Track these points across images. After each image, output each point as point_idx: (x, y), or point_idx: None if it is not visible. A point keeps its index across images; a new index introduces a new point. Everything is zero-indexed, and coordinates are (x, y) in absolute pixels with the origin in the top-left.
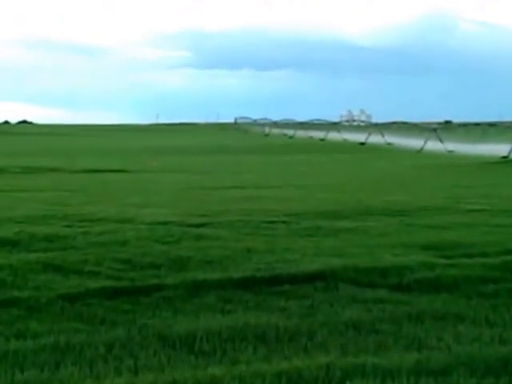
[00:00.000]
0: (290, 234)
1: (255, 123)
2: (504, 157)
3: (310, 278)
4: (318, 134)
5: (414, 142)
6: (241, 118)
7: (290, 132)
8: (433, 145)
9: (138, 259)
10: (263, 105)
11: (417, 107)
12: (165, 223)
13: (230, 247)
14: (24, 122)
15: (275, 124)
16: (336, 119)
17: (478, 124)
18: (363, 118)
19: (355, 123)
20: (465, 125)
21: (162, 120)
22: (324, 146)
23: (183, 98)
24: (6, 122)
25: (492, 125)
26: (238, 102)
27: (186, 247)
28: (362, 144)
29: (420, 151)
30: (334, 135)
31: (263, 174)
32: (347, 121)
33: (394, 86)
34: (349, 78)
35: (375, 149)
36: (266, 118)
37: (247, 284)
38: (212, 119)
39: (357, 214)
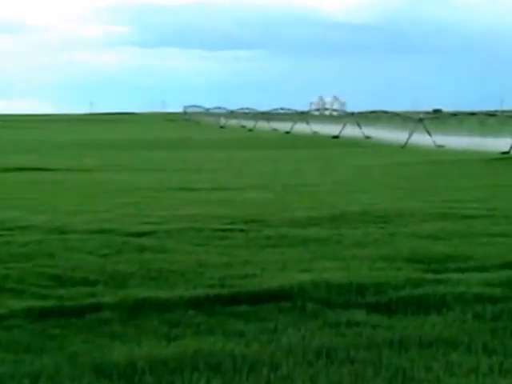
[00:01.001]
0: (250, 245)
1: (208, 113)
2: (504, 152)
3: (273, 296)
4: (283, 126)
5: (396, 135)
6: (191, 106)
7: (250, 123)
8: (419, 138)
9: (69, 274)
10: (218, 91)
11: (400, 94)
12: (101, 232)
13: (179, 260)
14: None
15: (232, 114)
16: (305, 108)
17: (473, 114)
18: (336, 106)
19: (327, 112)
20: (457, 114)
21: (98, 109)
22: (290, 140)
23: (123, 82)
24: None
25: (491, 115)
26: (189, 87)
27: (126, 260)
28: (336, 137)
29: (404, 146)
30: (302, 127)
31: (217, 173)
32: (318, 110)
33: (373, 69)
34: (320, 59)
35: (351, 143)
36: (221, 107)
37: (199, 304)
38: (157, 108)
39: (329, 221)
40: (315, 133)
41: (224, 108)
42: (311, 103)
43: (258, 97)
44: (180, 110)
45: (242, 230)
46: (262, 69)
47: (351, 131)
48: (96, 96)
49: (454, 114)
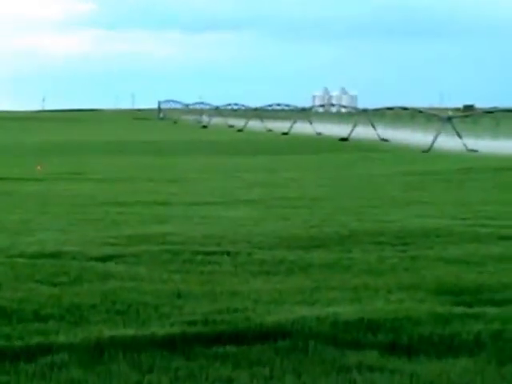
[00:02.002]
0: (239, 271)
1: (188, 110)
2: None
3: (268, 335)
4: (280, 126)
5: (419, 137)
6: (167, 102)
7: (239, 123)
8: (447, 141)
9: (16, 308)
10: (200, 83)
11: (424, 86)
12: (55, 255)
13: (151, 290)
14: None
15: (217, 111)
16: (306, 103)
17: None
18: (345, 101)
19: (334, 109)
20: (493, 112)
21: (52, 105)
22: (288, 143)
23: (83, 72)
24: None
25: None
26: (163, 78)
27: (86, 291)
28: (344, 140)
29: (428, 150)
30: (303, 127)
31: (198, 184)
32: (322, 105)
33: (390, 56)
34: (324, 42)
35: (363, 147)
36: (203, 103)
37: (176, 344)
38: (125, 104)
39: (336, 242)
40: (319, 134)
41: (207, 104)
42: (314, 97)
43: (248, 90)
44: (153, 106)
45: (228, 253)
46: (253, 55)
47: (363, 132)
48: (50, 89)
49: (490, 112)
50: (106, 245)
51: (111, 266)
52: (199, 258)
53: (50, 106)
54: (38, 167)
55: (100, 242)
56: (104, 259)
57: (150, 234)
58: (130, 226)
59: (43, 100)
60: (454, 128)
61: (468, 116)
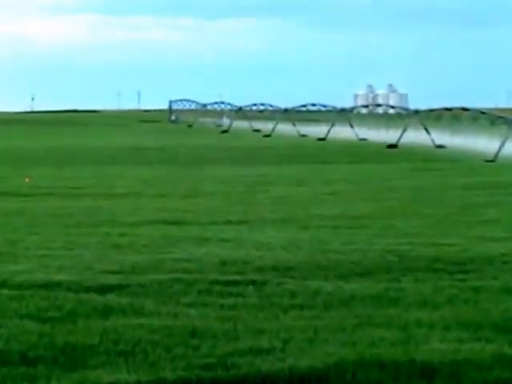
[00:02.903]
0: (265, 305)
1: (205, 110)
2: None
3: (301, 381)
4: (316, 130)
5: (482, 143)
6: (180, 101)
7: (267, 126)
8: None
9: (0, 348)
10: (219, 78)
11: (489, 83)
12: (46, 286)
13: (161, 327)
14: None
15: (240, 112)
16: (347, 104)
17: None
18: (393, 100)
19: (380, 110)
20: None
21: (43, 105)
22: (326, 151)
23: (78, 65)
24: None
25: None
26: (176, 73)
27: (82, 328)
28: (393, 147)
29: (494, 159)
30: (343, 131)
31: (218, 199)
32: (366, 106)
33: (446, 47)
34: (369, 31)
35: (415, 155)
36: (223, 102)
37: None
38: (129, 104)
39: (383, 270)
40: (362, 140)
41: (228, 104)
42: (356, 96)
43: (277, 87)
44: (163, 106)
45: (253, 283)
46: (283, 46)
47: (415, 137)
48: (40, 86)
49: None
50: (107, 273)
51: (112, 298)
52: (218, 288)
53: (41, 106)
54: (26, 179)
55: (99, 270)
56: (104, 290)
57: (159, 259)
58: (135, 250)
59: (32, 99)
60: None
61: None
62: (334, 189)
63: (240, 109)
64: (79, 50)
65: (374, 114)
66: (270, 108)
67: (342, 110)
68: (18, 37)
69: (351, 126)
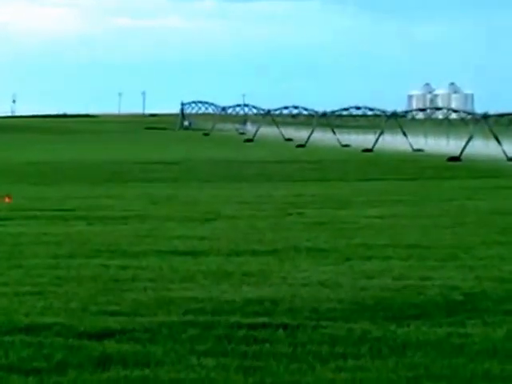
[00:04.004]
0: (299, 354)
1: (225, 115)
2: None
3: None
4: (361, 139)
5: None
6: (194, 103)
7: (300, 134)
8: None
9: None
10: (242, 76)
11: None
12: (30, 330)
13: (170, 382)
14: None
15: (268, 117)
16: (399, 106)
17: None
18: (456, 102)
19: (440, 114)
20: None
21: (26, 108)
22: (373, 164)
23: (70, 60)
24: None
25: None
26: (189, 69)
27: (75, 382)
28: (455, 159)
29: None
30: (393, 140)
31: (240, 224)
32: (423, 109)
33: None
34: (427, 19)
35: (483, 169)
36: (247, 105)
37: None
38: (132, 107)
39: (444, 310)
40: (418, 151)
41: (253, 107)
42: (411, 97)
43: (313, 86)
44: (173, 110)
45: (284, 327)
46: (320, 36)
47: (483, 148)
48: (24, 86)
49: None
50: (104, 314)
51: (111, 345)
52: (241, 333)
53: (23, 109)
54: (6, 199)
55: (95, 311)
56: (101, 336)
57: (169, 298)
58: (140, 286)
59: (13, 101)
60: None
61: None
62: (382, 212)
63: (268, 113)
64: (71, 41)
65: (432, 120)
66: (304, 112)
67: (393, 115)
68: None
69: (404, 134)
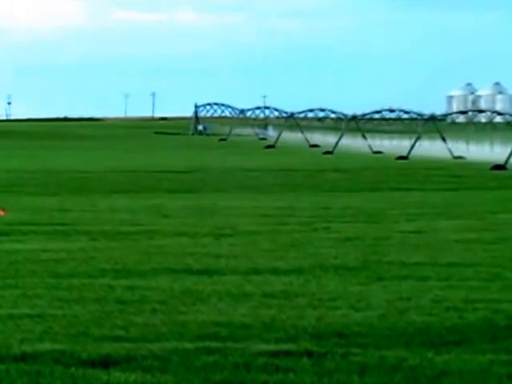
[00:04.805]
0: None
1: (243, 119)
2: None
3: None
4: (395, 145)
5: None
6: (209, 106)
7: (327, 139)
8: None
9: None
10: (262, 75)
11: None
12: (27, 357)
13: None
14: None
15: (291, 120)
16: (438, 109)
17: None
18: (500, 104)
19: (482, 117)
20: None
21: (22, 111)
22: (408, 173)
23: (71, 57)
24: None
25: None
26: (203, 68)
27: None
28: (499, 168)
29: None
30: (431, 146)
31: (260, 239)
32: (464, 112)
33: None
34: (469, 10)
35: None
36: (268, 108)
37: None
38: (140, 110)
39: (487, 336)
40: (458, 158)
41: (275, 109)
42: (451, 98)
43: (342, 87)
44: (186, 112)
45: (309, 354)
46: (350, 31)
47: None
48: (19, 86)
49: None
50: (109, 340)
51: (117, 374)
52: (261, 361)
53: (20, 112)
54: (0, 212)
55: (99, 336)
56: (106, 363)
57: (181, 322)
58: (148, 309)
59: (8, 103)
60: None
61: None
62: (419, 226)
63: (291, 116)
64: (72, 36)
65: (474, 123)
66: (331, 115)
67: (431, 118)
68: None
69: (443, 140)
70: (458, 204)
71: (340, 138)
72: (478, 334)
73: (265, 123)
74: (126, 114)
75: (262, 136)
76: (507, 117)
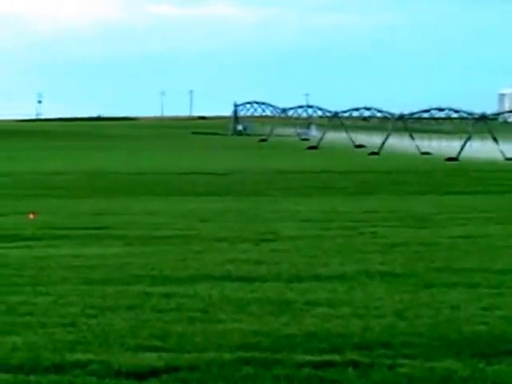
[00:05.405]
0: None
1: (285, 118)
2: None
3: None
4: (444, 146)
5: None
6: (249, 104)
7: (373, 140)
8: None
9: None
10: (305, 72)
11: None
12: (58, 368)
13: None
14: None
15: (335, 120)
16: (489, 108)
17: None
18: None
19: None
20: None
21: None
22: (458, 175)
23: (103, 54)
24: None
25: None
26: (243, 64)
27: None
28: None
29: None
30: (482, 147)
31: (300, 245)
32: None
33: None
34: None
35: None
36: (312, 107)
37: None
38: (177, 109)
39: None
40: (510, 160)
41: (318, 108)
42: (503, 96)
43: (388, 85)
44: (225, 112)
45: (355, 365)
46: (394, 25)
47: None
48: (50, 85)
49: None
50: (145, 350)
51: None
52: (304, 373)
53: (51, 111)
54: (31, 216)
55: (134, 346)
56: (141, 375)
57: (221, 331)
58: (186, 317)
59: (39, 102)
60: None
61: None
62: (469, 231)
63: (335, 115)
64: (105, 33)
65: None
66: (377, 114)
67: (482, 117)
68: (18, 18)
69: (494, 140)
70: (510, 208)
71: (386, 139)
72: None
73: (308, 123)
74: (162, 113)
75: (304, 136)
76: None
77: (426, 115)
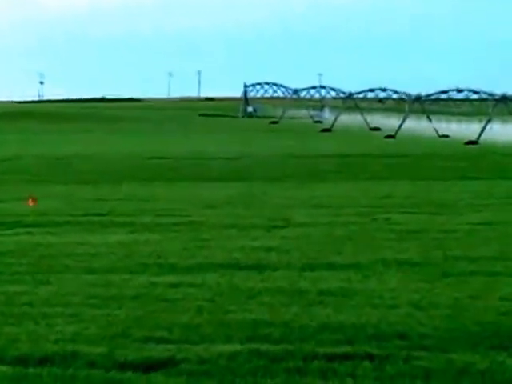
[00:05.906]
0: None
1: (297, 99)
2: None
3: None
4: (463, 128)
5: None
6: (259, 85)
7: (389, 122)
8: None
9: None
10: (318, 51)
11: None
12: (61, 360)
13: None
14: None
15: (349, 102)
16: (509, 88)
17: None
18: None
19: None
20: None
21: (55, 91)
22: (478, 160)
23: (106, 32)
24: None
25: None
26: (253, 43)
27: None
28: None
29: None
30: (503, 130)
31: (316, 231)
32: None
33: None
34: None
35: None
36: (324, 87)
37: None
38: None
39: None
40: None
41: (332, 89)
42: None
43: (405, 65)
44: (234, 93)
45: (369, 357)
46: (410, 3)
47: None
48: (51, 65)
49: None
50: (150, 342)
51: (159, 379)
52: (316, 365)
53: (53, 92)
54: (30, 201)
55: (139, 337)
56: (147, 367)
57: (229, 322)
58: (193, 307)
59: (41, 82)
60: None
61: None
62: (489, 217)
63: (349, 96)
64: (109, 11)
65: None
66: (393, 96)
67: (503, 99)
68: None
69: None
70: None
71: (403, 121)
72: None
73: (321, 104)
74: (169, 94)
75: (317, 119)
76: None
77: (444, 96)
